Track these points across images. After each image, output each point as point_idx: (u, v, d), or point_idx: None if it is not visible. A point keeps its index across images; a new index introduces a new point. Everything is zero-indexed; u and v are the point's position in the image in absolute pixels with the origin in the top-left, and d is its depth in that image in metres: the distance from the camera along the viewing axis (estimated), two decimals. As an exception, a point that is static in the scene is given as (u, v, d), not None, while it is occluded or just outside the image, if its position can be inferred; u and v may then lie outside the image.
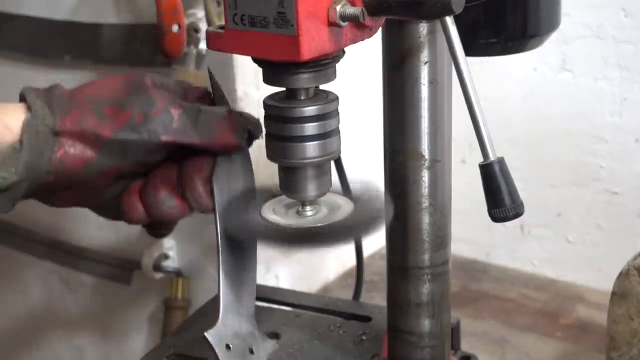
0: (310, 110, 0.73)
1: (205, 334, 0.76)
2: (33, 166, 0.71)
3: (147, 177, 0.79)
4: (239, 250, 0.78)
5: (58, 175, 0.73)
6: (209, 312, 1.08)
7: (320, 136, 0.74)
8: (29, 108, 0.72)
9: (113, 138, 0.73)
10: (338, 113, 0.76)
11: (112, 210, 0.81)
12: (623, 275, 1.01)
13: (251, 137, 0.77)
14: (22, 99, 0.73)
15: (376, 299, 1.54)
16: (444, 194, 0.87)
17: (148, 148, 0.74)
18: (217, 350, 0.76)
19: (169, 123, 0.74)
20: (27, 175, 0.70)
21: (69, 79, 1.62)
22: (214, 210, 0.77)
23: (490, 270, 1.71)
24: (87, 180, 0.74)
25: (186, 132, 0.74)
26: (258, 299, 1.13)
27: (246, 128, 0.77)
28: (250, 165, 0.80)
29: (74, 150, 0.72)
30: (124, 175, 0.77)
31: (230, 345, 0.77)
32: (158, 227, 0.84)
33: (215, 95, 0.80)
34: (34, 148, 0.70)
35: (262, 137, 0.78)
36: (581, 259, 1.64)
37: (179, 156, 0.78)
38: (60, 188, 0.75)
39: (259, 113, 0.79)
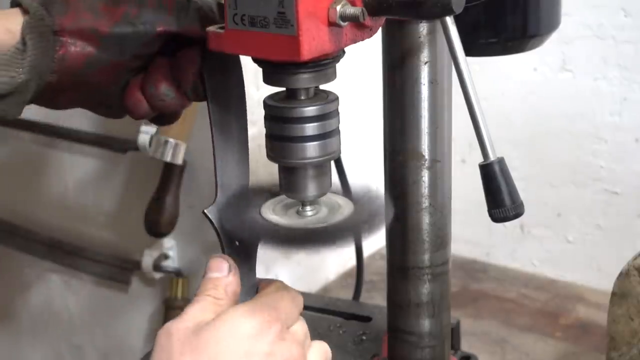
0: (310, 110, 0.73)
1: (204, 210, 0.78)
2: (38, 65, 0.72)
3: (147, 71, 0.80)
4: (238, 203, 0.79)
5: (61, 74, 0.74)
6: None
7: (321, 136, 0.74)
8: (26, 11, 0.73)
9: (111, 32, 0.74)
10: (338, 113, 0.76)
11: (115, 109, 0.83)
12: (623, 276, 1.01)
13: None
14: (16, 4, 0.74)
15: (376, 299, 1.54)
16: (444, 194, 0.87)
17: (144, 40, 0.76)
18: (217, 226, 0.77)
19: (163, 13, 0.75)
20: (32, 75, 0.72)
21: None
22: (205, 96, 0.79)
23: (490, 270, 1.71)
24: (88, 77, 0.76)
25: (180, 21, 0.76)
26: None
27: None
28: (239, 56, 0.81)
29: (74, 47, 0.74)
30: (124, 70, 0.78)
31: None
32: (164, 120, 0.85)
33: None
34: (38, 47, 0.72)
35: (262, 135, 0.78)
36: (581, 258, 1.64)
37: (172, 48, 0.79)
38: (63, 88, 0.76)
39: (259, 113, 0.79)
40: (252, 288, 0.79)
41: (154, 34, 0.76)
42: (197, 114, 1.44)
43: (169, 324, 0.71)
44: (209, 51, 0.76)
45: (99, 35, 0.74)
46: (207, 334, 0.68)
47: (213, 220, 0.78)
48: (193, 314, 0.71)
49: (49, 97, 0.77)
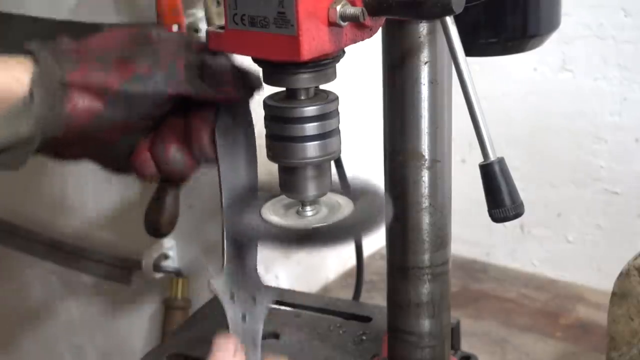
0: (310, 110, 0.73)
1: (210, 280, 0.77)
2: (44, 119, 0.70)
3: (156, 131, 0.79)
4: (241, 203, 0.79)
5: (68, 129, 0.73)
6: (209, 311, 1.08)
7: (321, 136, 0.74)
8: (36, 61, 0.72)
9: (121, 90, 0.73)
10: (338, 113, 0.76)
11: (122, 166, 0.82)
12: (623, 276, 1.01)
13: (252, 88, 0.78)
14: (27, 52, 0.73)
15: (376, 299, 1.54)
16: (444, 194, 0.87)
17: (154, 100, 0.74)
18: (221, 298, 0.77)
19: (175, 75, 0.74)
20: (38, 129, 0.70)
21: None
22: (216, 159, 0.78)
23: (490, 270, 1.71)
24: (95, 134, 0.75)
25: (192, 83, 0.75)
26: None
27: (248, 80, 0.77)
28: (251, 116, 0.80)
29: (82, 102, 0.73)
30: (132, 129, 0.77)
31: (234, 295, 0.78)
32: (172, 184, 0.85)
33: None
34: (45, 101, 0.70)
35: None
36: (581, 258, 1.64)
37: (184, 109, 0.78)
38: (70, 143, 0.75)
39: (259, 113, 0.79)
40: (254, 247, 0.79)
41: (165, 96, 0.74)
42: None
43: None
44: (221, 111, 0.76)
45: (108, 92, 0.73)
46: None
47: (219, 293, 0.78)
48: None
49: (55, 150, 0.76)
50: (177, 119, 0.78)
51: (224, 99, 0.77)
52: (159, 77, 0.73)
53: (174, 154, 0.79)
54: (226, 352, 0.75)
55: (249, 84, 0.77)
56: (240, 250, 0.79)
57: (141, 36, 0.75)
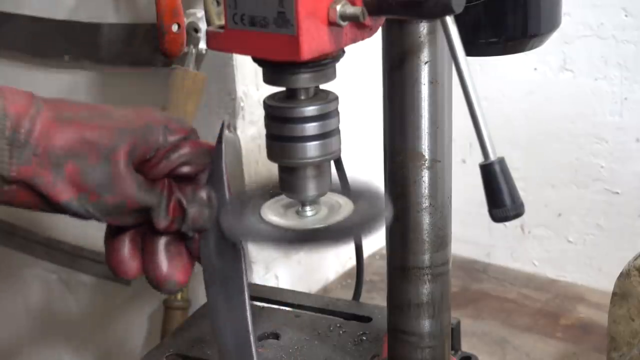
0: (310, 110, 0.73)
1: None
2: None
3: (144, 249, 0.78)
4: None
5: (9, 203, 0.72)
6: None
7: (321, 136, 0.74)
8: None
9: (62, 204, 0.71)
10: (338, 113, 0.75)
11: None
12: (624, 276, 1.01)
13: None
14: None
15: (376, 299, 1.54)
16: (444, 194, 0.86)
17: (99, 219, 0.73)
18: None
19: (120, 210, 0.72)
20: None
21: (68, 78, 1.63)
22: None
23: (490, 271, 1.71)
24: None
25: (135, 218, 0.74)
26: (258, 299, 1.14)
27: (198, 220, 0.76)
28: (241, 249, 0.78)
29: (23, 196, 0.70)
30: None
31: None
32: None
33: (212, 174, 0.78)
34: None
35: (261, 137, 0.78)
36: (581, 259, 1.64)
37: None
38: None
39: (259, 113, 0.79)
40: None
41: (106, 220, 0.73)
42: (197, 114, 1.44)
43: None
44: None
45: (49, 201, 0.70)
46: None
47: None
48: None
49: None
50: (160, 235, 0.77)
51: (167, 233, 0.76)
52: (102, 208, 0.72)
53: (166, 271, 0.78)
54: None
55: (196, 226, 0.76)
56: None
57: (108, 150, 0.71)
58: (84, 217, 0.72)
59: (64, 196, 0.70)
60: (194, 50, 1.34)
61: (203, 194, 0.76)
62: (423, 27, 0.80)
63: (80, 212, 0.72)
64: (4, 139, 0.68)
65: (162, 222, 0.74)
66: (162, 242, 0.77)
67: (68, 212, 0.72)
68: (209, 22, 1.28)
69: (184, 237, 0.77)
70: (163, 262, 0.77)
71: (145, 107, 0.79)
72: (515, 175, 0.70)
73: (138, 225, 0.76)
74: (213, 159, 0.77)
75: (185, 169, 0.76)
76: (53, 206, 0.71)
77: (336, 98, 0.75)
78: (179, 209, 0.75)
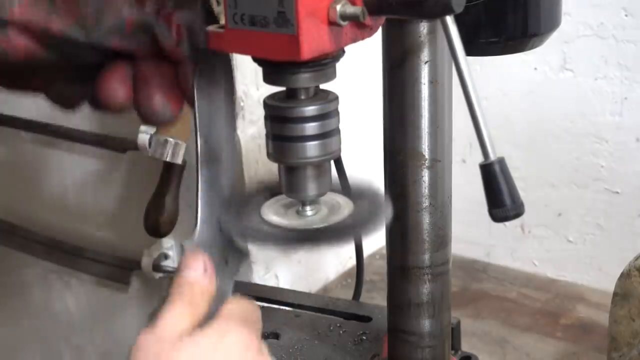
0: (310, 110, 0.73)
1: (183, 243, 0.76)
2: None
3: (138, 75, 0.74)
4: (216, 162, 0.78)
5: (1, 62, 0.70)
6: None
7: (321, 136, 0.73)
8: None
9: (61, 34, 0.70)
10: (338, 113, 0.75)
11: (73, 100, 0.77)
12: (624, 276, 1.01)
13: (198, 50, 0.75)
14: None
15: (376, 299, 1.54)
16: (444, 194, 0.86)
17: (98, 50, 0.71)
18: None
19: (120, 30, 0.71)
20: None
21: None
22: (193, 105, 0.77)
23: (490, 270, 1.71)
24: (34, 71, 0.72)
25: (138, 41, 0.72)
26: (258, 299, 1.14)
27: (195, 40, 0.72)
28: (231, 65, 0.78)
29: (19, 41, 0.70)
30: (77, 69, 0.74)
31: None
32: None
33: None
34: None
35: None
36: (581, 258, 1.64)
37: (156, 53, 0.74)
38: (6, 73, 0.72)
39: (259, 113, 0.79)
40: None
41: (109, 47, 0.71)
42: (197, 113, 1.44)
43: (142, 338, 0.65)
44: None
45: (47, 33, 0.70)
46: (189, 349, 0.65)
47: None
48: (170, 322, 0.66)
49: None
50: (153, 63, 0.74)
51: (172, 58, 0.73)
52: (103, 29, 0.70)
53: (159, 100, 0.75)
54: (196, 270, 0.70)
55: (195, 45, 0.73)
56: (214, 211, 0.78)
57: None
58: (91, 42, 0.70)
59: (60, 24, 0.69)
60: (193, 50, 1.34)
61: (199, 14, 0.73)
62: (423, 27, 0.80)
63: (84, 39, 0.70)
64: None
65: (169, 41, 0.71)
66: (155, 70, 0.74)
67: (69, 45, 0.70)
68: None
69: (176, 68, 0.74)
70: (158, 90, 0.74)
71: None
72: (515, 175, 0.70)
73: (139, 53, 0.73)
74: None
75: None
76: (52, 45, 0.70)
77: (336, 98, 0.75)
78: (182, 32, 0.72)
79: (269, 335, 1.05)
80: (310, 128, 0.73)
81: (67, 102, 0.78)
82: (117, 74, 0.74)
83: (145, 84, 0.75)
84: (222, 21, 0.71)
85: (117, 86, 0.74)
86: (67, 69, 0.74)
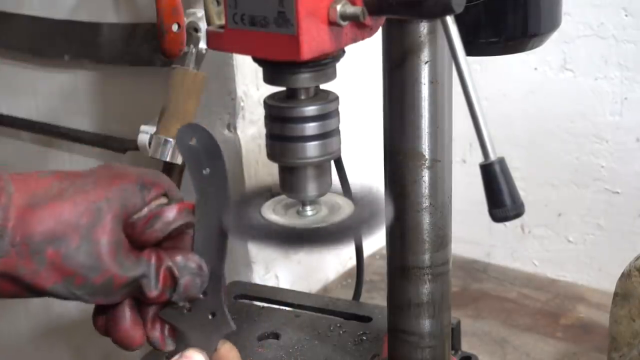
0: (310, 110, 0.73)
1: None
2: None
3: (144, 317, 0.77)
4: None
5: None
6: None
7: (321, 136, 0.74)
8: None
9: (49, 290, 0.69)
10: (338, 113, 0.75)
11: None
12: (625, 276, 1.01)
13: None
14: None
15: (376, 299, 1.54)
16: (444, 194, 0.86)
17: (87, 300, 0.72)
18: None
19: (108, 290, 0.71)
20: None
21: (68, 78, 1.63)
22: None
23: (490, 270, 1.71)
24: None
25: (122, 294, 0.73)
26: (258, 299, 1.14)
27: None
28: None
29: (6, 287, 0.69)
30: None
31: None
32: None
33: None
34: None
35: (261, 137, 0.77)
36: (582, 258, 1.64)
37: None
38: None
39: (259, 113, 0.79)
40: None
41: (90, 302, 0.72)
42: (197, 113, 1.44)
43: None
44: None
45: (33, 288, 0.69)
46: None
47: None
48: None
49: None
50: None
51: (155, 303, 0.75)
52: (91, 287, 0.70)
53: (168, 335, 0.78)
54: None
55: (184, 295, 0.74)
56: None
57: (93, 220, 0.69)
58: (71, 299, 0.71)
59: (48, 283, 0.68)
60: (194, 50, 1.34)
61: (193, 262, 0.74)
62: (423, 27, 0.80)
63: (67, 296, 0.70)
64: None
65: (153, 292, 0.72)
66: (154, 308, 0.76)
67: (55, 296, 0.70)
68: (209, 22, 1.27)
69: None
70: (158, 327, 0.77)
71: (116, 165, 0.77)
72: (515, 175, 0.70)
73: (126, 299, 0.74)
74: (213, 158, 0.76)
75: (172, 233, 0.74)
76: (38, 293, 0.70)
77: (336, 98, 0.75)
78: (170, 279, 0.73)
79: (269, 335, 1.05)
80: (311, 128, 0.73)
81: None
82: (127, 316, 0.76)
83: (150, 323, 0.77)
84: (222, 21, 0.71)
85: (130, 329, 0.77)
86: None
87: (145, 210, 0.73)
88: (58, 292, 0.69)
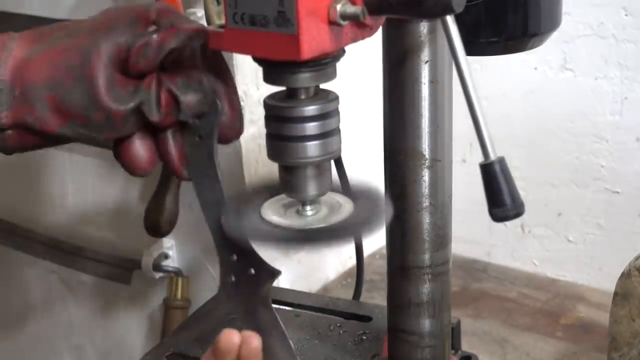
0: (310, 109, 0.73)
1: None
2: None
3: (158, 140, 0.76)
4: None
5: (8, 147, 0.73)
6: (209, 310, 1.08)
7: (321, 136, 0.74)
8: None
9: (58, 134, 0.72)
10: (338, 112, 0.75)
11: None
12: (625, 276, 1.01)
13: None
14: None
15: (376, 299, 1.54)
16: (444, 194, 0.86)
17: (97, 137, 0.73)
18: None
19: (112, 124, 0.72)
20: None
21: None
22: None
23: (490, 270, 1.71)
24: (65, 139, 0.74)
25: (128, 126, 0.73)
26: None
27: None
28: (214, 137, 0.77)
29: (20, 137, 0.72)
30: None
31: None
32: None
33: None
34: None
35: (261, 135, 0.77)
36: (582, 258, 1.64)
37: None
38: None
39: (259, 112, 0.79)
40: None
41: (102, 138, 0.73)
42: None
43: None
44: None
45: (44, 134, 0.72)
46: None
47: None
48: None
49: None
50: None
51: (160, 128, 0.76)
52: (94, 126, 0.71)
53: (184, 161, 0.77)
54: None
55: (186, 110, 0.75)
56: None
57: (83, 63, 0.71)
58: (83, 140, 0.73)
59: (55, 127, 0.71)
60: (194, 50, 1.34)
61: (194, 79, 0.74)
62: (423, 27, 0.80)
63: (77, 137, 0.72)
64: None
65: (155, 116, 0.73)
66: (169, 132, 0.76)
67: (67, 140, 0.73)
68: (209, 22, 1.27)
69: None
70: (174, 151, 0.77)
71: (116, 6, 0.77)
72: (515, 174, 0.70)
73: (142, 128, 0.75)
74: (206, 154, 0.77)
75: (171, 58, 0.73)
76: (52, 139, 0.73)
77: (336, 97, 0.75)
78: (171, 100, 0.73)
79: (269, 335, 1.05)
80: (311, 128, 0.73)
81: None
82: (136, 141, 0.75)
83: (165, 147, 0.76)
84: (222, 21, 0.71)
85: (138, 152, 0.76)
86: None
87: (142, 41, 0.73)
88: (67, 134, 0.72)
